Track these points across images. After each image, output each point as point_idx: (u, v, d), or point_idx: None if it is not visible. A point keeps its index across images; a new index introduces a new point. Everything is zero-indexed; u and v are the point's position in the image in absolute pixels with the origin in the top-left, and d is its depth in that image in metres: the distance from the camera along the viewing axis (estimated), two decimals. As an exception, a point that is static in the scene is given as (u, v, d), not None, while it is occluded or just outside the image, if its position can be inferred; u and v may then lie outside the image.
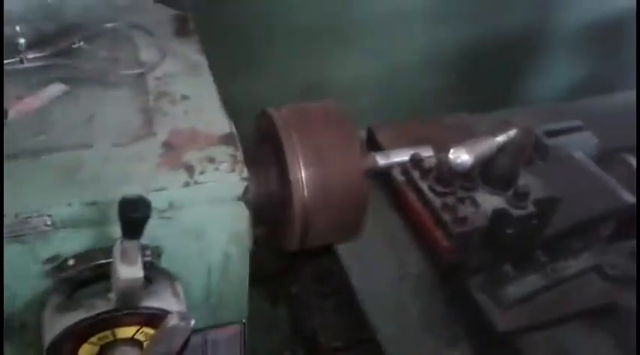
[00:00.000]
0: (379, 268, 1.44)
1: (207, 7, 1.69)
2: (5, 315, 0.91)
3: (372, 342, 1.29)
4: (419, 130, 1.72)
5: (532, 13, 2.56)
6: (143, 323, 0.88)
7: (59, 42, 1.15)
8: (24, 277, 0.89)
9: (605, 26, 2.73)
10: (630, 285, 1.40)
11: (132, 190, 0.86)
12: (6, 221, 0.83)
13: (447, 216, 1.38)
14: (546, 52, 2.72)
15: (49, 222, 0.85)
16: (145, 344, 0.89)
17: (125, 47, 1.20)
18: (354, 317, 1.37)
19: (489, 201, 1.41)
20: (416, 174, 1.48)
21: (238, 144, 0.99)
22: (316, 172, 1.06)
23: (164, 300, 0.90)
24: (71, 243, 0.88)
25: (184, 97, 1.09)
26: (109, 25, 1.23)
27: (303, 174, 1.05)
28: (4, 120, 0.98)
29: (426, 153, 1.50)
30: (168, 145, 0.97)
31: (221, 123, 1.04)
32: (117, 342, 0.88)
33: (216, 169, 0.94)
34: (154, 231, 0.87)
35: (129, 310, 0.86)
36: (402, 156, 1.47)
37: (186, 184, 0.91)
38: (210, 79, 1.15)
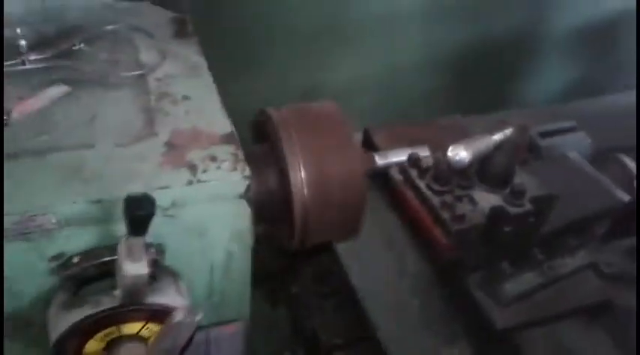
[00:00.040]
0: (378, 267, 1.45)
1: (205, 9, 1.71)
2: (11, 313, 0.92)
3: (372, 340, 1.30)
4: (414, 132, 1.74)
5: (525, 16, 2.59)
6: (148, 319, 0.89)
7: (60, 44, 1.16)
8: (29, 275, 0.90)
9: (596, 29, 2.76)
10: (625, 283, 1.42)
11: (136, 188, 0.87)
12: (12, 219, 0.84)
13: (445, 214, 1.39)
14: (539, 54, 2.74)
15: (54, 220, 0.86)
16: (150, 340, 0.90)
17: (125, 49, 1.21)
18: (354, 316, 1.37)
19: (486, 199, 1.42)
20: (414, 173, 1.49)
21: (239, 144, 1.01)
22: (316, 172, 1.07)
23: (169, 297, 0.91)
24: (76, 241, 0.89)
25: (185, 98, 1.10)
26: (109, 27, 1.25)
27: (303, 174, 1.06)
28: (7, 121, 0.99)
29: (423, 153, 1.53)
30: (170, 145, 0.99)
31: (222, 123, 1.05)
32: (122, 338, 0.89)
33: (219, 168, 0.95)
34: (157, 228, 0.87)
35: (134, 306, 0.87)
36: (399, 155, 1.50)
37: (189, 182, 0.92)
38: (210, 79, 1.16)
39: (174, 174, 0.93)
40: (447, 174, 1.44)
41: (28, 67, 1.11)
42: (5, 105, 1.01)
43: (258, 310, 1.23)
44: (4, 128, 0.98)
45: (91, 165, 0.93)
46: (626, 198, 1.55)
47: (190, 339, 0.87)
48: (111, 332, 0.88)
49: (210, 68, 1.19)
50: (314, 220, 1.10)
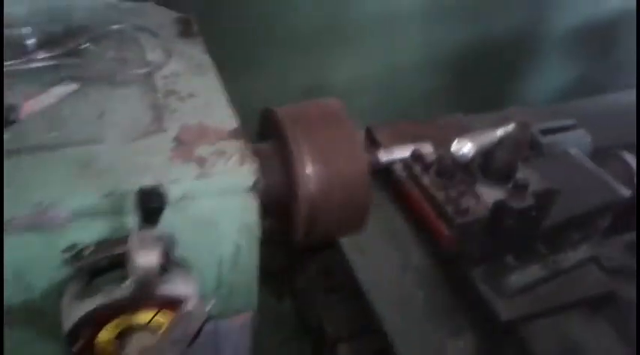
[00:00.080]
0: (383, 261, 1.47)
1: (206, 9, 1.72)
2: (24, 304, 0.93)
3: (378, 332, 1.31)
4: (416, 130, 1.75)
5: (525, 16, 2.60)
6: (159, 309, 0.90)
7: (67, 43, 1.18)
8: (42, 266, 0.91)
9: (596, 29, 2.78)
10: (626, 277, 1.44)
11: (146, 181, 0.88)
12: (24, 212, 0.85)
13: (449, 208, 1.40)
14: (539, 54, 2.76)
15: (66, 213, 0.87)
16: (160, 330, 0.91)
17: (131, 48, 1.22)
18: (359, 308, 1.38)
19: (489, 194, 1.43)
20: (417, 169, 1.51)
21: (247, 139, 1.02)
22: (322, 168, 1.08)
23: (179, 287, 0.92)
24: (88, 233, 0.90)
25: (192, 95, 1.11)
26: (115, 27, 1.26)
27: (309, 170, 1.07)
28: (17, 118, 1.00)
29: (426, 149, 1.54)
30: (178, 140, 1.00)
31: (229, 119, 1.06)
32: (133, 328, 0.90)
33: (227, 162, 0.97)
34: (167, 221, 0.88)
35: (145, 297, 0.88)
36: (403, 152, 1.52)
37: (199, 176, 0.93)
38: (216, 77, 1.17)
39: (183, 167, 0.94)
40: (451, 169, 1.46)
41: (36, 65, 1.12)
42: (15, 102, 1.02)
43: (265, 303, 1.24)
44: (15, 124, 0.99)
45: (101, 159, 0.94)
46: (626, 193, 1.56)
47: (200, 329, 0.88)
48: (122, 321, 0.89)
49: (213, 67, 1.21)
50: (320, 216, 1.11)
